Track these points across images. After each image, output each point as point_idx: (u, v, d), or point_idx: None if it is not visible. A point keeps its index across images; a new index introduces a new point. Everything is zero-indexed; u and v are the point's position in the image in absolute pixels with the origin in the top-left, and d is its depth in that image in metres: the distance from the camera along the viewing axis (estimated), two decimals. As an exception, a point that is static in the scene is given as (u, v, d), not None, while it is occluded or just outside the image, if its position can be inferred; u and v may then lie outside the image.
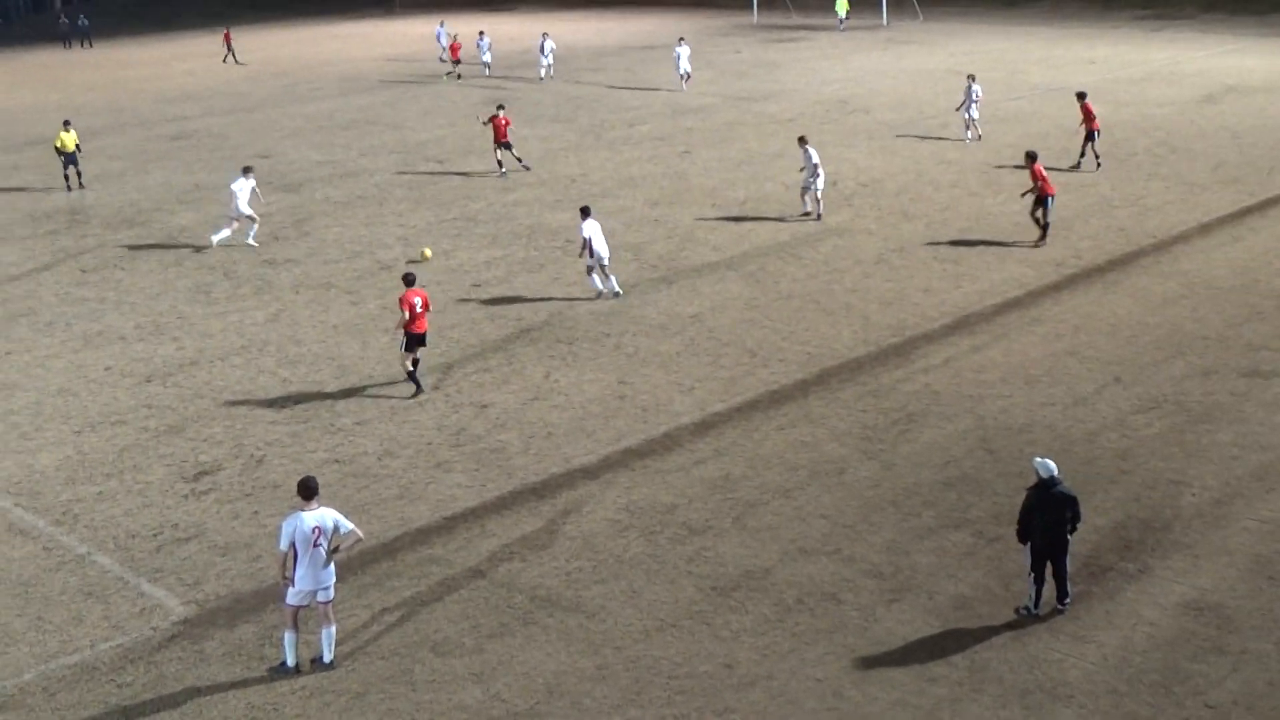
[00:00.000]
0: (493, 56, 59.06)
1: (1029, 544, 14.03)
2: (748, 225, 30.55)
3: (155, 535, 17.13)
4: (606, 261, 25.60)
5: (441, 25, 68.04)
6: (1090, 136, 34.18)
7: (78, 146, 38.99)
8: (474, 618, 14.78)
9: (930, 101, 45.04)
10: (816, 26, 71.95)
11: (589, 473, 18.28)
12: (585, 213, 25.67)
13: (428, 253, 28.92)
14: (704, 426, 19.64)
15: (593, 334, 23.77)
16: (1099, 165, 34.24)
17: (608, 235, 26.21)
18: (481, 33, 60.94)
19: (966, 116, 38.80)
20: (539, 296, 26.08)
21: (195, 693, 13.65)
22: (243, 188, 30.68)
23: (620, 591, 15.17)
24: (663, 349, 22.87)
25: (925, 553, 15.68)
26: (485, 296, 26.30)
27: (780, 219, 30.80)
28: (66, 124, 39.38)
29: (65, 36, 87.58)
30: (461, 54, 59.17)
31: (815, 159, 30.34)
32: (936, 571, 15.26)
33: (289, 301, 26.70)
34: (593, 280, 25.66)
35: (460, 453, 19.13)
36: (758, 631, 14.24)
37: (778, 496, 17.29)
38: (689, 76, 50.65)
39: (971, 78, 39.09)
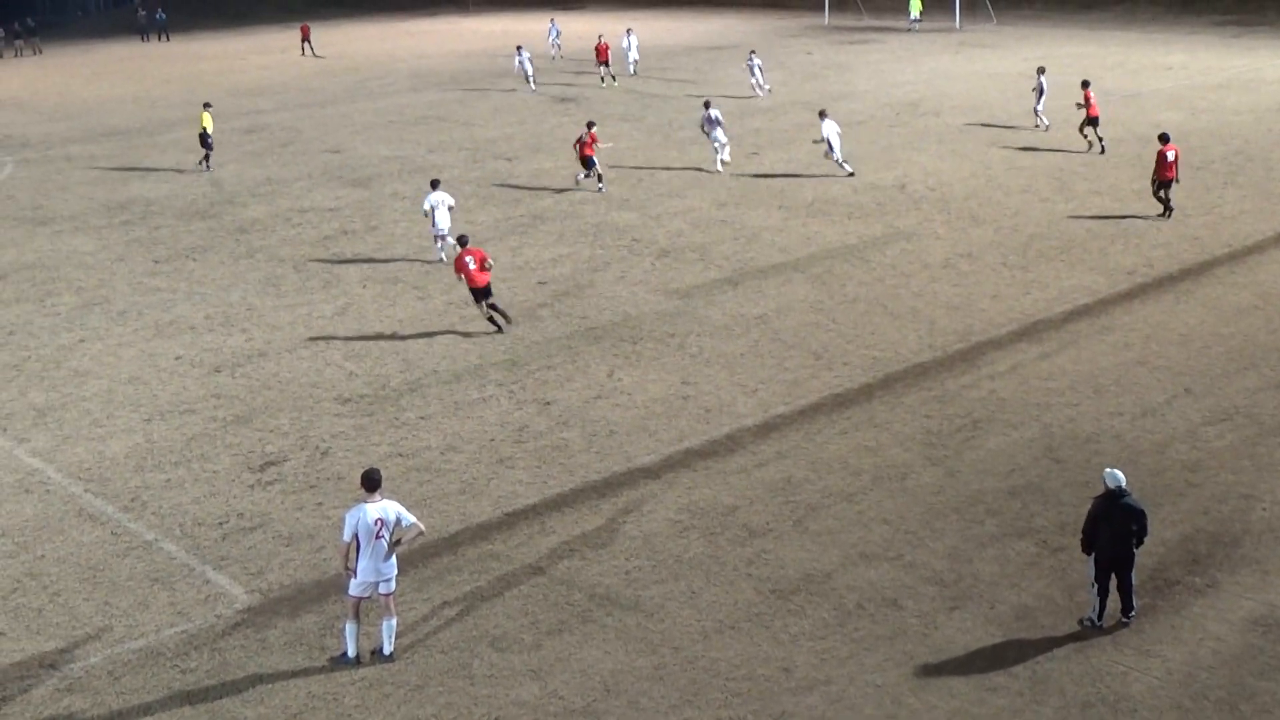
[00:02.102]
0: (639, 55, 57.56)
1: (1093, 555, 13.86)
2: (815, 227, 30.42)
3: (221, 524, 17.35)
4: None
5: (553, 22, 68.11)
6: (1091, 122, 36.20)
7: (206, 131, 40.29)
8: (533, 614, 14.83)
9: (1002, 105, 44.59)
10: (888, 28, 71.49)
11: (650, 472, 18.29)
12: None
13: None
14: (767, 428, 19.58)
15: (657, 334, 23.77)
16: (1103, 150, 36.30)
17: (674, 235, 26.21)
18: (629, 30, 59.43)
19: (1034, 108, 39.79)
20: (604, 295, 26.12)
21: (257, 680, 13.81)
22: (440, 201, 28.35)
23: (679, 592, 15.17)
24: (727, 350, 22.83)
25: (988, 561, 15.54)
26: (550, 294, 26.38)
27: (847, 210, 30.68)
28: (207, 105, 40.67)
29: (143, 30, 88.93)
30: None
31: (828, 133, 34.45)
32: (999, 580, 15.11)
33: (356, 295, 26.94)
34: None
35: (522, 449, 19.20)
36: (817, 636, 14.18)
37: (839, 500, 17.20)
38: (765, 88, 49.29)
39: (1041, 70, 40.18)
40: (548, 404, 20.84)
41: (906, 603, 14.74)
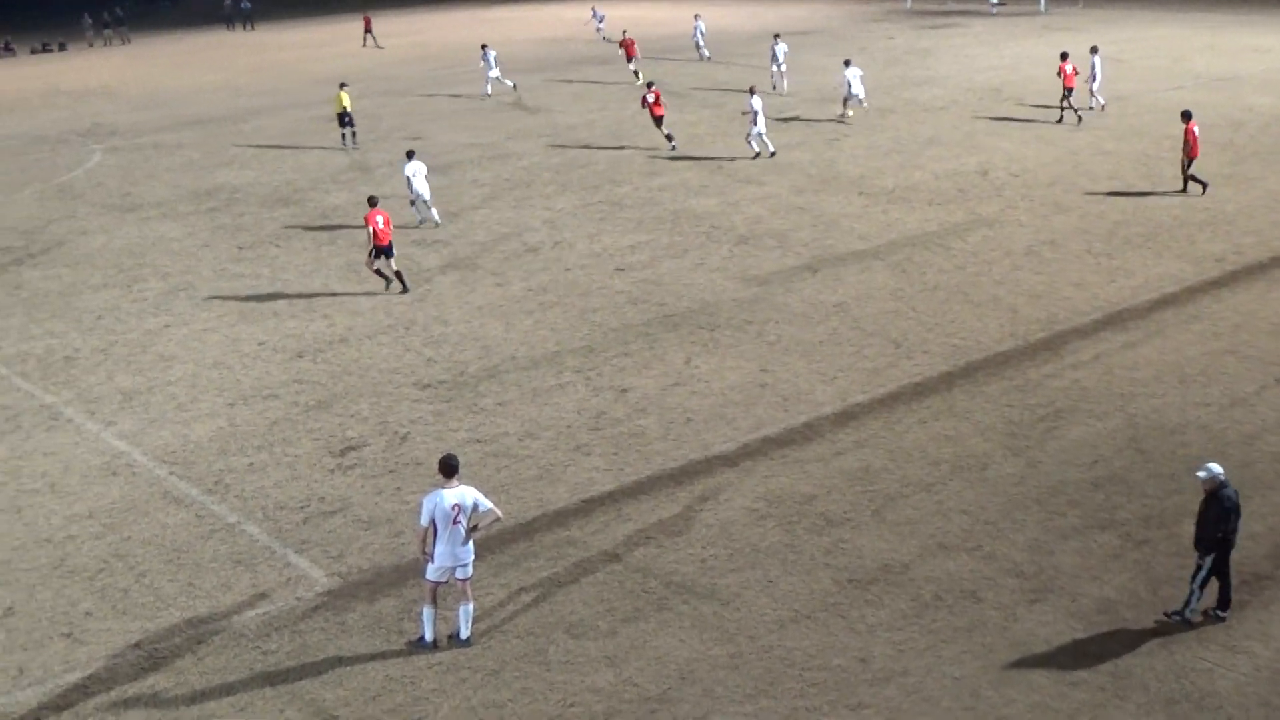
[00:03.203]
0: (704, 40, 57.86)
1: (1213, 553, 13.51)
2: (895, 214, 30.14)
3: (302, 507, 17.55)
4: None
5: (595, 9, 68.98)
6: (1066, 93, 38.53)
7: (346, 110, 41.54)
8: (608, 601, 14.85)
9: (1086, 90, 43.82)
10: (971, 12, 70.61)
11: (728, 460, 18.23)
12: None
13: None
14: (845, 417, 19.44)
15: (735, 321, 23.68)
16: (1079, 120, 38.81)
17: (753, 222, 26.05)
18: (697, 16, 60.11)
19: (1090, 88, 40.02)
20: (682, 282, 26.07)
21: (336, 662, 13.96)
22: (417, 170, 31.14)
23: (756, 580, 15.11)
24: (805, 337, 22.68)
25: (1069, 553, 15.31)
26: (629, 281, 26.37)
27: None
28: (343, 85, 41.99)
29: (228, 19, 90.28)
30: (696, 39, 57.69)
31: (756, 107, 35.84)
32: (1080, 573, 14.88)
33: (436, 282, 27.12)
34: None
35: (599, 436, 19.22)
36: (894, 627, 14.06)
37: (918, 490, 17.03)
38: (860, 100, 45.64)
39: (1094, 50, 40.29)
40: (625, 391, 20.85)
41: (986, 595, 14.56)
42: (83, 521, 17.54)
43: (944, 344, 22.03)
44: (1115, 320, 22.73)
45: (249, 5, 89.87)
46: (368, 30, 71.92)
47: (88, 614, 15.23)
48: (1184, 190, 30.35)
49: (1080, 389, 19.92)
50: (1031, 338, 22.13)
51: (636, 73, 52.00)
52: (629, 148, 39.24)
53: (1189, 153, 29.94)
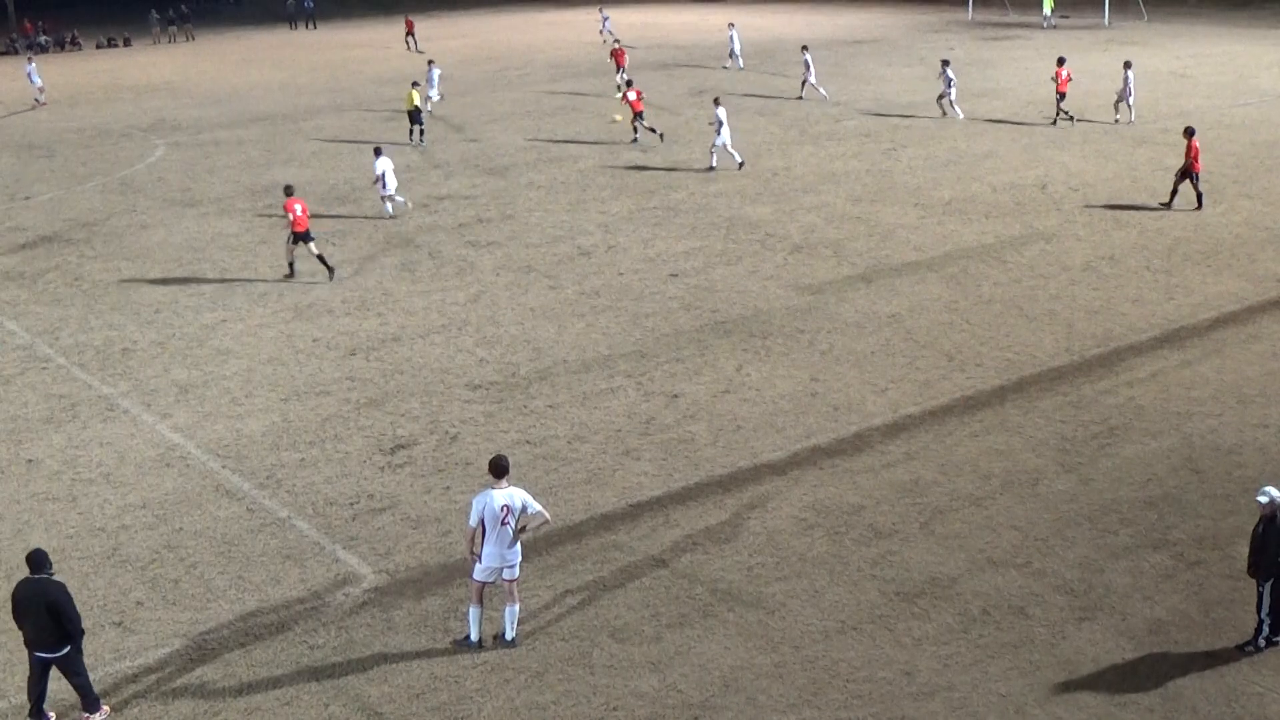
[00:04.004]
0: (740, 48, 58.24)
1: (1272, 579, 13.30)
2: (951, 226, 29.96)
3: (352, 504, 17.67)
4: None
5: (604, 13, 70.38)
6: (1060, 96, 41.01)
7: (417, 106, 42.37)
8: (654, 606, 14.85)
9: (1150, 105, 43.42)
10: (1033, 24, 70.08)
11: (776, 469, 18.19)
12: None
13: (618, 118, 40.25)
14: (896, 428, 19.34)
15: (787, 329, 23.62)
16: (1072, 122, 40.84)
17: (807, 231, 25.91)
18: (731, 25, 60.45)
19: (1127, 103, 40.92)
20: (735, 289, 26.04)
21: (382, 659, 14.05)
22: (387, 166, 32.80)
23: (802, 590, 15.06)
24: (858, 348, 22.59)
25: (1120, 572, 15.15)
26: (682, 286, 26.38)
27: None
28: (415, 84, 42.97)
29: (291, 18, 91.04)
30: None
31: (722, 118, 35.82)
32: (1131, 592, 14.72)
33: (490, 283, 27.23)
34: None
35: (649, 441, 19.23)
36: (940, 641, 13.97)
37: (968, 504, 16.92)
38: (820, 90, 48.52)
39: (1127, 65, 41.30)
40: (675, 397, 20.84)
41: (1034, 611, 14.44)
42: (136, 512, 17.74)
43: (997, 358, 21.88)
44: (1173, 338, 22.49)
45: (311, 4, 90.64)
46: (410, 34, 71.75)
47: (139, 603, 15.41)
48: (1199, 207, 30.27)
49: (1135, 407, 19.72)
50: (1087, 354, 21.93)
51: (621, 84, 52.12)
52: (685, 153, 39.23)
53: (1190, 167, 30.09)
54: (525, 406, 20.70)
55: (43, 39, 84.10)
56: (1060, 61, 41.60)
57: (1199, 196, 30.30)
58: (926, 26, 72.02)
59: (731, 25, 59.95)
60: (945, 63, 44.14)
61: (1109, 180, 33.66)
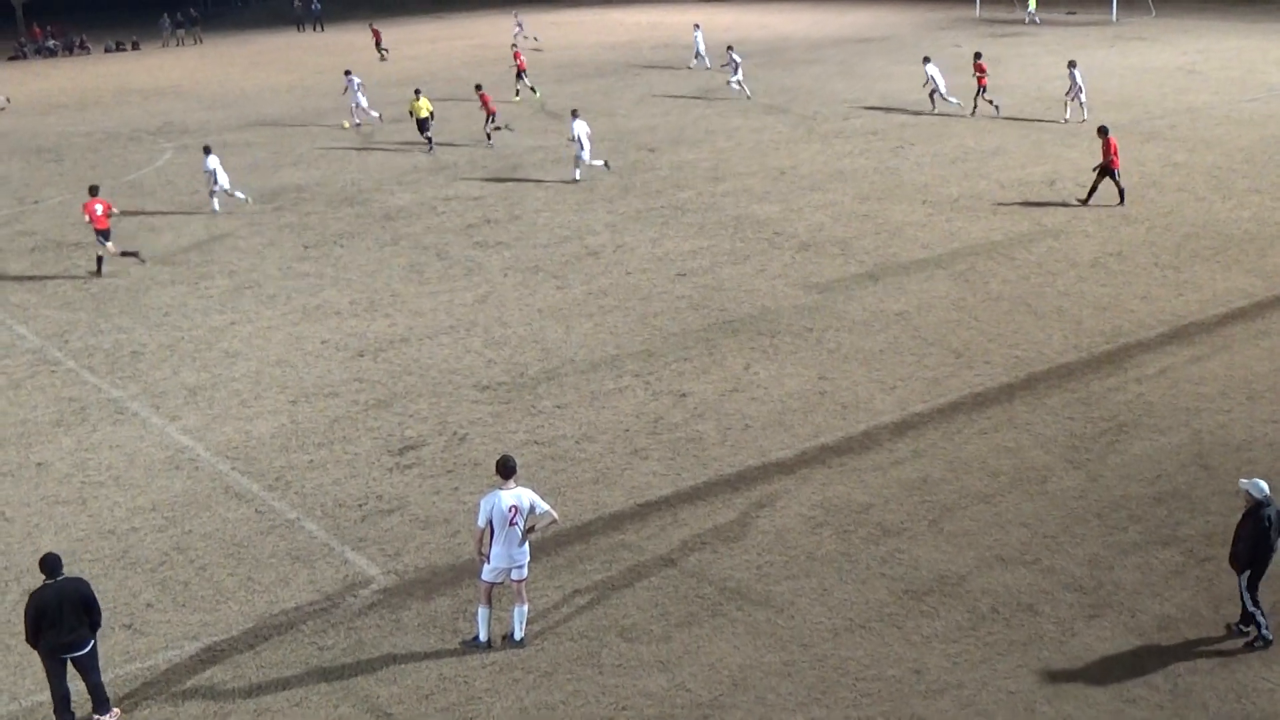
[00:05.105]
0: (705, 49, 58.84)
1: (1247, 571, 13.35)
2: (959, 223, 29.92)
3: (361, 505, 17.70)
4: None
5: (517, 17, 71.60)
6: (980, 90, 42.47)
7: (431, 114, 42.45)
8: (663, 605, 14.85)
9: (1157, 101, 43.35)
10: (1042, 20, 69.89)
11: (785, 467, 18.18)
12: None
13: (345, 125, 45.69)
14: (904, 426, 19.32)
15: (795, 328, 23.61)
16: (997, 110, 42.33)
17: (815, 229, 25.90)
18: (696, 25, 61.58)
19: (1079, 101, 40.92)
20: (743, 288, 26.03)
21: (391, 660, 14.07)
22: (217, 163, 34.61)
23: (810, 589, 15.05)
24: (866, 346, 22.58)
25: (1129, 569, 15.12)
26: (689, 286, 26.37)
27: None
28: (418, 92, 42.86)
29: (299, 20, 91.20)
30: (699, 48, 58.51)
31: (578, 132, 35.47)
32: (1141, 589, 14.70)
33: (497, 284, 27.25)
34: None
35: (657, 441, 19.23)
36: (949, 638, 13.95)
37: (977, 502, 16.90)
38: (741, 86, 49.40)
39: (1072, 64, 41.36)
40: (683, 396, 20.84)
41: (1043, 608, 14.42)
42: (146, 514, 17.79)
43: (1006, 355, 21.85)
44: (1182, 334, 22.44)
45: (319, 7, 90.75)
46: (378, 43, 69.47)
47: (148, 605, 15.45)
48: (1121, 202, 30.51)
49: (1144, 403, 19.68)
50: (1095, 350, 21.89)
51: (531, 89, 52.15)
52: (692, 153, 39.23)
53: (1109, 164, 30.31)
54: (533, 407, 20.71)
55: (51, 43, 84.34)
56: (978, 55, 43.44)
57: (1121, 192, 30.59)
58: (934, 24, 71.91)
59: (697, 26, 60.71)
60: (926, 59, 44.77)
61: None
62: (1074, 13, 71.27)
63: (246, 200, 35.03)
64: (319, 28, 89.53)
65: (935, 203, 31.88)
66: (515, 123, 45.01)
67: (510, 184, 36.61)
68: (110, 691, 13.49)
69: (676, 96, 50.41)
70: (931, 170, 35.35)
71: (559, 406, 20.67)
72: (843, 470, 18.00)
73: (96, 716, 13.19)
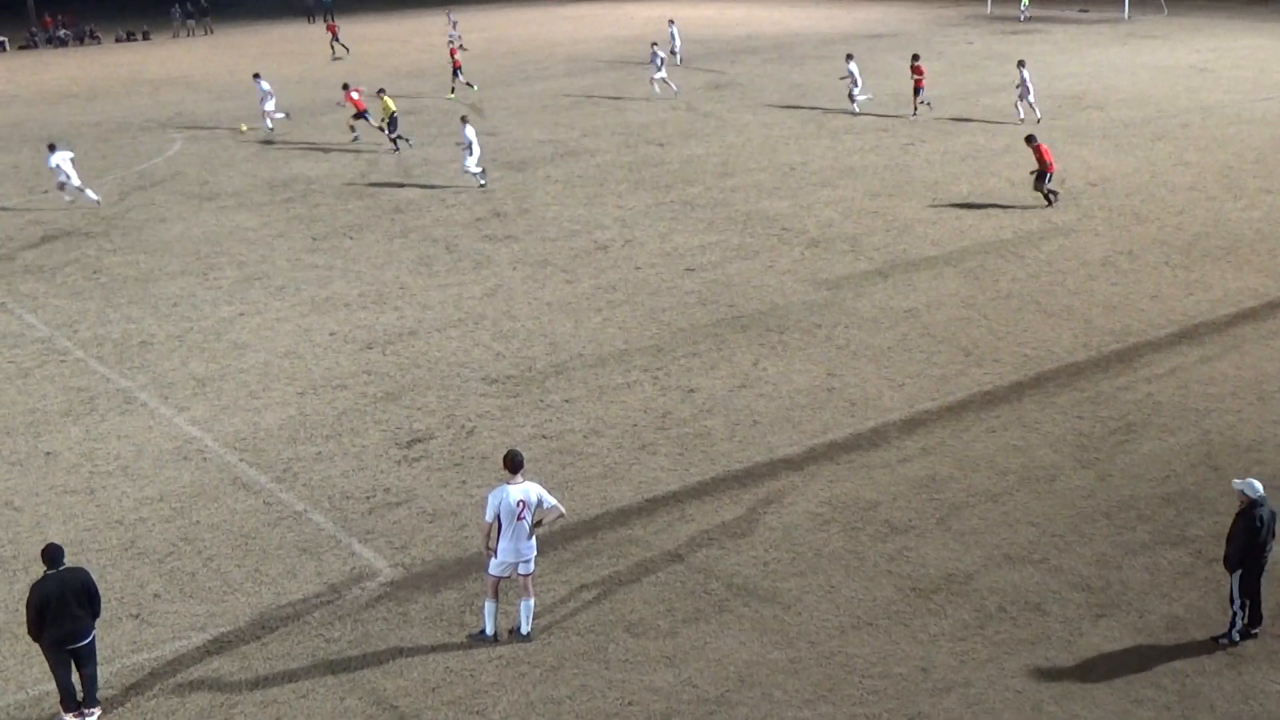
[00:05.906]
0: (681, 44, 58.69)
1: (1239, 571, 13.33)
2: (969, 221, 29.87)
3: (368, 498, 17.71)
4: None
5: (451, 16, 70.22)
6: (917, 91, 42.37)
7: (395, 113, 41.75)
8: (669, 601, 14.84)
9: (1170, 99, 43.24)
10: (1053, 18, 69.79)
11: (793, 464, 18.16)
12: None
13: (244, 128, 44.43)
14: (912, 424, 19.29)
15: (804, 324, 23.58)
16: (930, 108, 42.56)
17: (824, 225, 25.86)
18: (671, 21, 60.86)
19: (1028, 101, 40.74)
20: (752, 284, 26.00)
21: (398, 653, 14.07)
22: (64, 159, 34.88)
23: (818, 585, 15.04)
24: (875, 343, 22.54)
25: (1138, 569, 15.09)
26: (698, 281, 26.34)
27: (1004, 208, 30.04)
28: (380, 91, 42.17)
29: (308, 11, 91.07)
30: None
31: (470, 137, 34.66)
32: (1149, 589, 14.67)
33: (506, 277, 27.24)
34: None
35: (665, 436, 19.22)
36: (956, 637, 13.94)
37: (985, 500, 16.87)
38: (664, 81, 49.46)
39: (1021, 64, 41.20)
40: (691, 391, 20.83)
41: (1051, 608, 14.40)
42: (154, 505, 17.81)
43: (1015, 353, 21.81)
44: (1192, 334, 22.39)
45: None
46: (334, 38, 68.53)
47: (156, 596, 15.47)
48: (1050, 204, 30.58)
49: (1154, 403, 19.64)
50: (1105, 349, 21.85)
51: (459, 87, 52.10)
52: (702, 147, 39.19)
53: (1045, 169, 30.41)
54: (541, 401, 20.70)
55: (62, 33, 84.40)
56: (915, 57, 43.16)
57: (1048, 195, 30.73)
58: (946, 20, 71.76)
59: (672, 22, 60.21)
60: (849, 56, 44.93)
61: (1128, 175, 33.51)
62: (1086, 10, 71.10)
63: (97, 202, 35.03)
64: (329, 19, 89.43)
65: (945, 200, 31.74)
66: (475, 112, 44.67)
67: (519, 178, 36.58)
68: (117, 681, 13.52)
69: (684, 92, 50.30)
70: (941, 167, 35.28)
71: (567, 401, 20.66)
72: (851, 467, 17.98)
73: (84, 710, 13.16)
